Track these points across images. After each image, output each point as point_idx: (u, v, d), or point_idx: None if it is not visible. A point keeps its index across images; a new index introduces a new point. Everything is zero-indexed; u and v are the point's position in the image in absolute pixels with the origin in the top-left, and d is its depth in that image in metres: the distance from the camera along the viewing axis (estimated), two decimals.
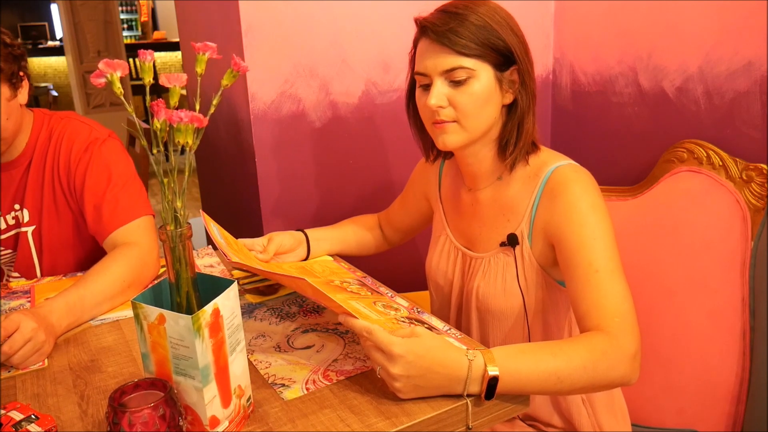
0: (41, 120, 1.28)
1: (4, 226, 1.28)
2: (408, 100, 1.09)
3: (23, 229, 1.29)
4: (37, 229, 1.29)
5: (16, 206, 1.28)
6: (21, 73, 1.18)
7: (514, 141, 0.99)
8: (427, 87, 0.98)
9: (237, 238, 1.16)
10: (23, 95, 1.20)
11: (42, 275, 1.31)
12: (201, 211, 1.12)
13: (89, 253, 1.34)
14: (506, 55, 0.95)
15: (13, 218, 1.28)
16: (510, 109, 1.00)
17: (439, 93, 0.95)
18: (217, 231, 1.04)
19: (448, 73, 0.94)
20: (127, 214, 1.21)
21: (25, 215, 1.28)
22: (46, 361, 0.93)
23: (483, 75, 0.94)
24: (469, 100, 0.95)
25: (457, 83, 0.95)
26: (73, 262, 1.33)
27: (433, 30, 0.95)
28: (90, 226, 1.24)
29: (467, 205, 1.11)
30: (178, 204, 0.67)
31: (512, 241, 1.01)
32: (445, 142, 0.99)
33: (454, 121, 0.97)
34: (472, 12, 0.94)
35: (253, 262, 1.01)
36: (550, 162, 1.00)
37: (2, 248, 1.29)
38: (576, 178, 0.97)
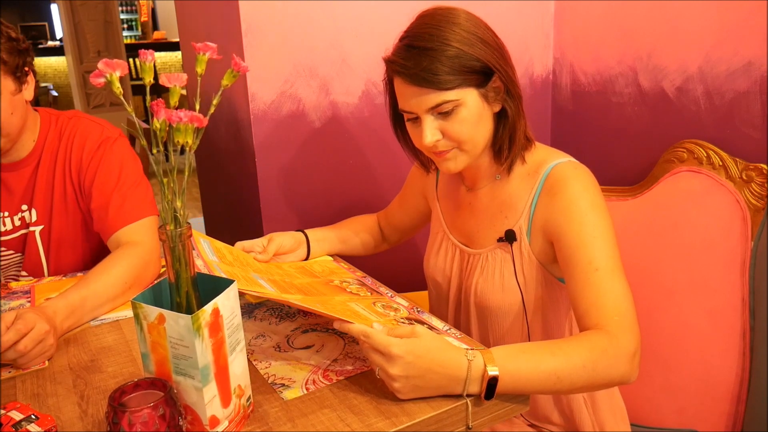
0: (49, 119, 1.28)
1: (9, 227, 1.28)
2: (394, 124, 1.09)
3: (31, 228, 1.29)
4: (45, 228, 1.29)
5: (24, 207, 1.28)
6: (26, 68, 1.18)
7: (507, 146, 0.99)
8: (415, 119, 0.97)
9: (237, 238, 1.16)
10: (29, 91, 1.19)
11: (49, 274, 1.31)
12: (193, 230, 1.10)
13: (97, 252, 1.34)
14: (485, 71, 0.93)
15: (19, 219, 1.28)
16: (499, 115, 0.99)
17: (431, 129, 0.94)
18: (208, 247, 1.03)
19: (434, 109, 0.93)
20: (133, 213, 1.21)
21: (33, 215, 1.28)
22: (46, 361, 0.93)
23: (468, 100, 0.93)
24: (461, 127, 0.94)
25: (445, 114, 0.93)
26: (81, 260, 1.34)
27: (406, 73, 0.92)
28: (95, 223, 1.25)
29: (465, 202, 1.11)
30: (178, 204, 0.67)
31: (510, 237, 1.01)
32: (449, 168, 1.00)
33: (454, 148, 0.97)
34: (442, 42, 0.90)
35: (247, 272, 1.00)
36: (550, 159, 1.00)
37: (3, 249, 1.29)
38: (575, 175, 0.97)
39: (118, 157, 1.26)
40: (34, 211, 1.28)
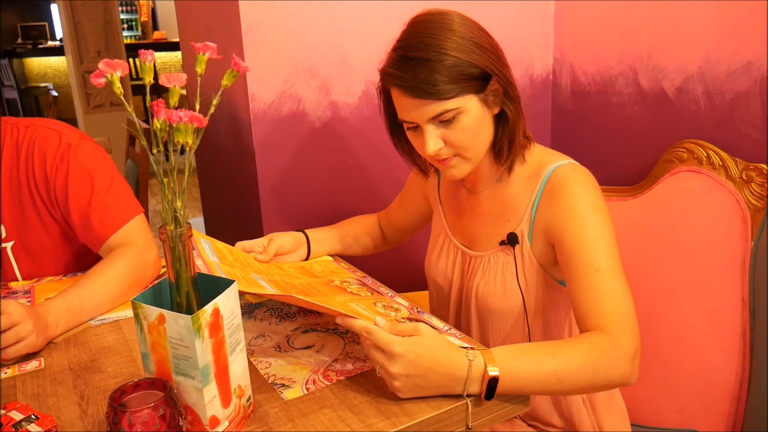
0: (5, 131, 1.21)
1: None
2: (391, 131, 1.08)
3: (3, 245, 1.24)
4: (18, 243, 1.24)
5: None
6: None
7: (507, 147, 0.99)
8: (416, 128, 0.96)
9: (237, 238, 1.16)
10: None
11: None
12: (193, 230, 1.10)
13: (78, 258, 1.31)
14: (483, 77, 0.92)
15: None
16: (498, 116, 0.98)
17: (433, 138, 0.94)
18: (208, 248, 1.02)
19: (435, 118, 0.92)
20: (118, 218, 1.18)
21: (2, 231, 1.23)
22: (42, 361, 0.93)
23: (469, 106, 0.92)
24: (463, 135, 0.94)
25: (447, 122, 0.93)
26: (62, 269, 1.30)
27: (404, 86, 0.91)
28: (80, 236, 1.21)
29: (467, 204, 1.11)
30: (178, 204, 0.67)
31: (512, 240, 1.01)
32: (454, 175, 0.99)
33: (456, 156, 0.97)
34: (438, 52, 0.89)
35: (248, 272, 1.00)
36: (551, 161, 1.00)
37: None
38: (577, 177, 0.97)
39: (83, 164, 1.20)
40: (2, 228, 1.23)
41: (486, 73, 0.92)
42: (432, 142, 0.94)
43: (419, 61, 0.89)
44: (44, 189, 1.20)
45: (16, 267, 1.26)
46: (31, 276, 1.28)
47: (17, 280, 1.27)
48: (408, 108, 0.93)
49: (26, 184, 1.21)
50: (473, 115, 0.93)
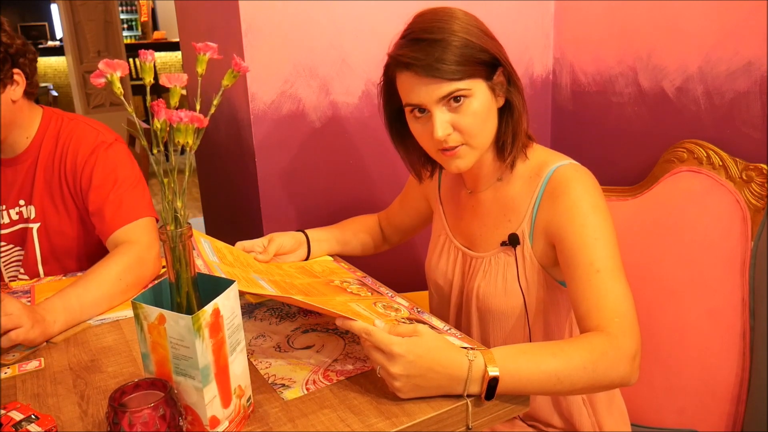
0: (49, 118, 1.29)
1: (7, 220, 1.29)
2: (391, 131, 1.08)
3: (29, 225, 1.29)
4: (43, 226, 1.30)
5: (21, 202, 1.29)
6: (14, 70, 1.19)
7: (510, 141, 0.99)
8: (422, 111, 0.96)
9: (237, 238, 1.16)
10: (17, 92, 1.21)
11: (45, 274, 1.31)
12: (193, 229, 1.11)
13: (96, 254, 1.34)
14: (491, 63, 0.94)
15: (17, 213, 1.29)
16: (502, 111, 0.98)
17: (443, 122, 0.93)
18: (208, 247, 1.02)
19: (445, 99, 0.93)
20: (129, 214, 1.22)
21: (32, 212, 1.29)
22: (42, 361, 0.93)
23: (478, 91, 0.93)
24: (472, 120, 0.94)
25: (456, 106, 0.93)
26: (80, 262, 1.34)
27: (417, 65, 0.91)
28: (96, 227, 1.26)
29: (468, 205, 1.11)
30: (178, 204, 0.67)
31: (513, 240, 1.01)
32: (459, 167, 0.99)
33: (463, 144, 0.96)
34: (450, 33, 0.91)
35: (248, 272, 1.00)
36: (552, 162, 1.00)
37: (3, 243, 1.30)
38: (577, 177, 0.97)
39: (112, 161, 1.26)
40: (32, 208, 1.29)
41: (494, 60, 0.94)
42: (440, 127, 0.93)
43: (431, 42, 0.91)
44: (72, 179, 1.27)
45: (38, 249, 1.30)
46: (47, 260, 1.31)
47: (36, 262, 1.31)
48: (418, 88, 0.93)
49: (57, 172, 1.28)
50: (482, 100, 0.94)
